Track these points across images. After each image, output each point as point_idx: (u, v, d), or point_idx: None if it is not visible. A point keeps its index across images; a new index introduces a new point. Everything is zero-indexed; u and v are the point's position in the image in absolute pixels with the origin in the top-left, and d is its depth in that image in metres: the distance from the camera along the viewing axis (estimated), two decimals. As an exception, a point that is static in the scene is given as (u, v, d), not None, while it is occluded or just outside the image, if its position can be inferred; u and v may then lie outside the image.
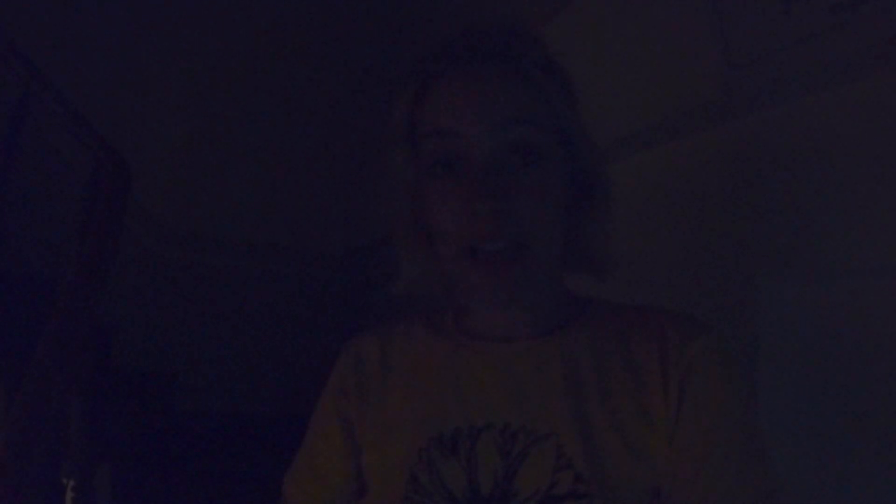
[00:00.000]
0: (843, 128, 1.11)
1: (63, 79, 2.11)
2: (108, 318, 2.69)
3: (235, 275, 3.22)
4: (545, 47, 0.81)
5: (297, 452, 0.92)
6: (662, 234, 1.42)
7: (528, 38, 0.80)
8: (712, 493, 0.70)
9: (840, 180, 1.10)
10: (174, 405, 2.85)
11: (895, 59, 1.02)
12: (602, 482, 0.71)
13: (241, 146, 3.23)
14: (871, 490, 1.02)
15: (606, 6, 1.64)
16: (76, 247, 1.97)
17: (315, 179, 3.30)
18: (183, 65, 3.08)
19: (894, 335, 1.02)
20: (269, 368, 3.15)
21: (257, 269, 3.27)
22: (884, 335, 1.03)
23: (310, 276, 3.35)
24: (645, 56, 1.50)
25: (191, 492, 2.24)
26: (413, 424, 0.80)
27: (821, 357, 1.12)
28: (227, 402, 3.03)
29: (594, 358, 0.79)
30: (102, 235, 1.93)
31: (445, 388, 0.82)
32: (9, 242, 2.57)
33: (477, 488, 0.74)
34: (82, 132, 2.05)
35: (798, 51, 1.16)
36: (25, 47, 2.02)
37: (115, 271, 1.97)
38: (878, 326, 1.04)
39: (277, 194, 3.30)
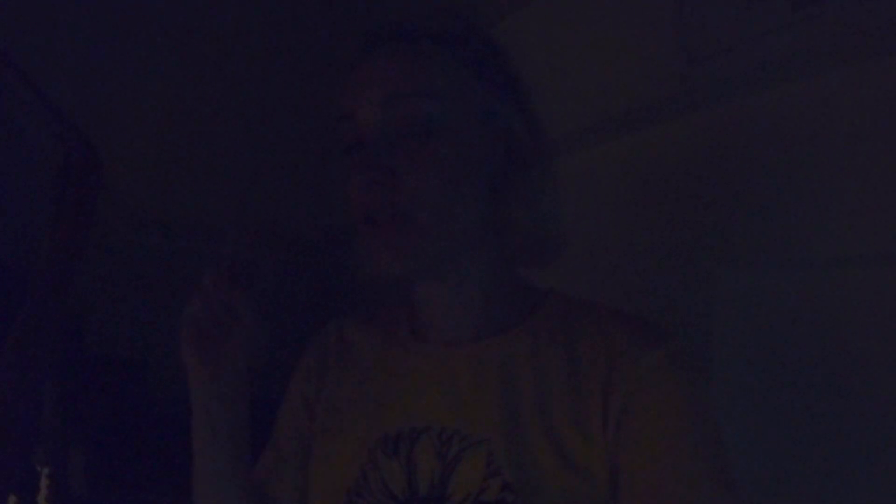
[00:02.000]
0: (801, 120, 1.14)
1: (33, 66, 2.10)
2: (80, 305, 2.69)
3: (208, 260, 3.20)
4: (460, 21, 0.80)
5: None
6: (621, 225, 1.45)
7: (440, 15, 0.80)
8: None
9: (798, 172, 1.13)
10: (146, 392, 2.86)
11: (853, 52, 1.06)
12: (530, 492, 0.69)
13: (214, 131, 3.21)
14: (831, 481, 1.04)
15: (568, 5, 1.67)
16: (47, 235, 1.97)
17: (291, 163, 3.28)
18: (155, 50, 3.05)
19: (851, 325, 1.05)
20: (242, 354, 3.15)
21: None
22: (840, 325, 1.06)
23: (286, 262, 3.34)
24: (605, 49, 1.52)
25: (163, 477, 2.26)
26: (362, 424, 0.81)
27: (777, 347, 1.15)
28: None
29: (534, 365, 0.76)
30: (74, 223, 1.93)
31: (392, 389, 0.82)
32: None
33: (416, 490, 0.74)
34: (53, 120, 2.05)
35: (757, 44, 1.18)
36: (-6, 34, 2.00)
37: (86, 258, 1.97)
38: (835, 316, 1.07)
39: (252, 178, 3.28)
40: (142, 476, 2.33)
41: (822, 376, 1.08)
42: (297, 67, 3.24)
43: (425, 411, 0.78)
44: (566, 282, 0.87)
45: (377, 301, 0.96)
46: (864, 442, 1.02)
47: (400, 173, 0.73)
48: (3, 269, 2.49)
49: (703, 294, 1.25)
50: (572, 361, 0.75)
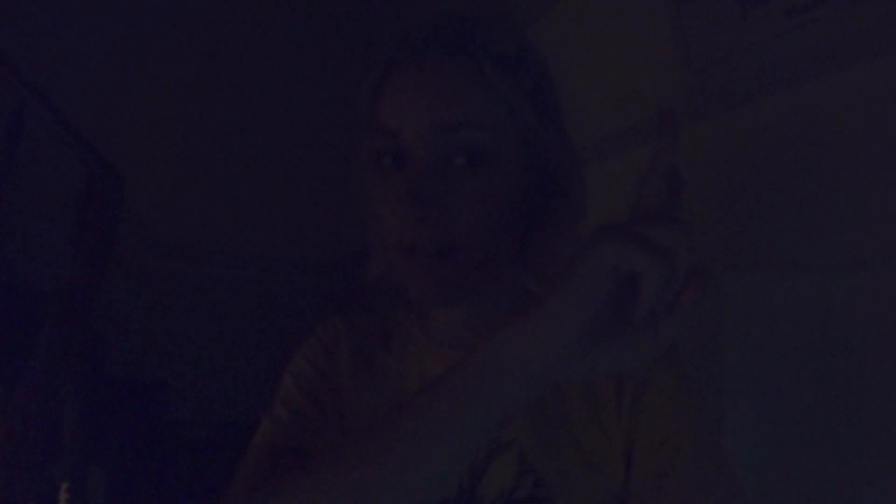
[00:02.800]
0: (803, 126, 1.16)
1: (58, 92, 2.14)
2: (102, 327, 2.73)
3: (227, 284, 3.24)
4: (518, 39, 0.76)
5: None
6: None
7: (498, 29, 0.75)
8: (677, 501, 0.70)
9: (802, 176, 1.14)
10: (166, 412, 2.88)
11: (848, 58, 1.07)
12: (562, 487, 0.72)
13: (232, 156, 3.26)
14: (840, 484, 1.05)
15: (573, 20, 1.69)
16: (70, 256, 2.01)
17: (306, 187, 3.33)
18: (176, 77, 3.11)
19: (859, 327, 1.05)
20: (260, 376, 3.16)
21: (249, 277, 3.30)
22: (848, 327, 1.07)
23: (302, 284, 3.37)
24: (610, 66, 1.54)
25: (182, 497, 2.28)
26: None
27: (787, 350, 1.15)
28: (218, 409, 3.05)
29: None
30: (96, 245, 1.97)
31: (408, 392, 0.80)
32: (4, 252, 2.61)
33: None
34: (77, 144, 2.09)
35: (756, 54, 1.20)
36: (21, 61, 2.05)
37: (108, 281, 2.00)
38: (842, 319, 1.08)
39: (269, 203, 3.32)
40: (160, 495, 2.34)
41: (832, 378, 1.08)
42: (317, 91, 3.29)
43: None
44: None
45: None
46: (875, 444, 1.01)
47: (447, 206, 0.70)
48: (27, 291, 2.53)
49: (711, 299, 1.26)
50: None
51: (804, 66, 1.13)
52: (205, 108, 3.19)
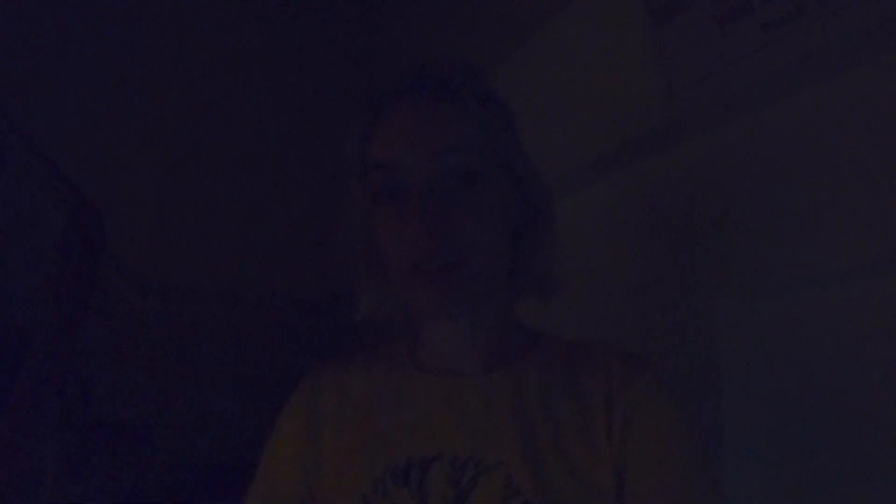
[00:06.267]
0: (790, 140, 1.15)
1: (37, 129, 2.13)
2: (85, 369, 2.67)
3: (213, 323, 3.20)
4: (486, 81, 0.87)
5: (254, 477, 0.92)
6: (620, 261, 1.45)
7: (471, 72, 0.86)
8: None
9: (792, 191, 1.14)
10: (151, 454, 2.82)
11: (827, 69, 1.08)
12: None
13: (215, 195, 3.24)
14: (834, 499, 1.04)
15: (551, 48, 1.69)
16: (50, 296, 1.97)
17: (289, 227, 3.31)
18: (159, 114, 3.10)
19: (858, 342, 1.04)
20: (248, 418, 3.12)
21: (234, 318, 3.26)
22: (847, 343, 1.06)
23: (287, 324, 3.34)
24: (591, 91, 1.54)
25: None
26: (367, 454, 0.82)
27: (786, 370, 1.14)
28: (205, 450, 3.00)
29: (542, 391, 0.82)
30: (76, 285, 1.93)
31: (398, 419, 0.84)
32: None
33: None
34: (57, 181, 2.07)
35: (736, 69, 1.20)
36: (0, 98, 2.04)
37: (90, 321, 1.97)
38: (840, 335, 1.07)
39: (254, 241, 3.30)
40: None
41: (833, 395, 1.07)
42: (298, 131, 3.30)
43: (435, 440, 0.81)
44: (569, 317, 0.91)
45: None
46: (876, 460, 1.00)
47: (450, 222, 0.77)
48: (6, 330, 2.48)
49: (705, 324, 1.25)
50: (575, 388, 0.82)
51: (787, 78, 1.13)
52: (189, 143, 3.18)
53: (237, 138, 3.27)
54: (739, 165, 1.23)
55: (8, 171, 2.16)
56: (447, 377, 0.86)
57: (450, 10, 2.34)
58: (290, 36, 3.35)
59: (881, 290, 1.02)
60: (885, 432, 0.99)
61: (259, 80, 3.29)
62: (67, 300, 1.92)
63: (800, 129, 1.13)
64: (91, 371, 2.75)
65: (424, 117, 0.81)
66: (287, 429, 0.91)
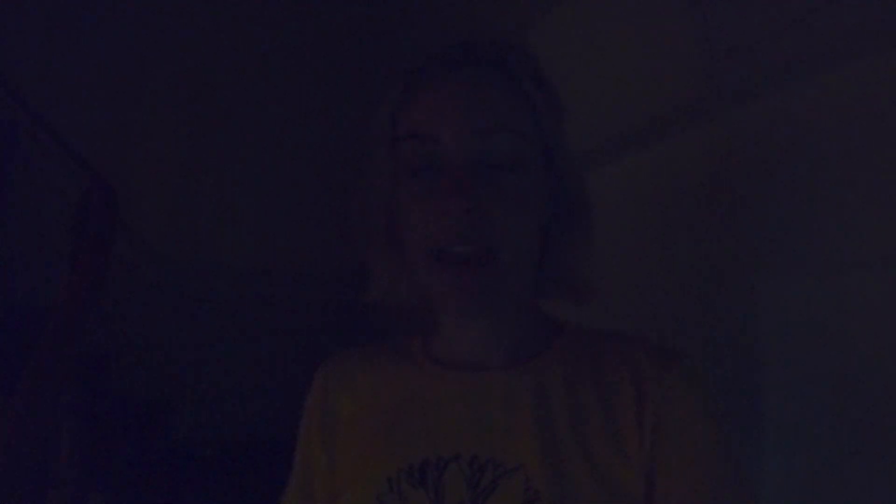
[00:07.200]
0: (835, 113, 1.08)
1: (52, 107, 2.12)
2: (104, 346, 2.68)
3: (232, 300, 3.21)
4: (536, 61, 0.81)
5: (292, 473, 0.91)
6: (655, 237, 1.39)
7: (521, 50, 0.80)
8: None
9: (834, 170, 1.07)
10: (171, 432, 2.83)
11: (877, 42, 1.00)
12: None
13: (233, 170, 3.24)
14: (876, 489, 0.99)
15: (587, 12, 1.62)
16: (65, 274, 1.96)
17: (310, 200, 3.30)
18: (172, 92, 3.10)
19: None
20: (267, 393, 3.13)
21: (253, 293, 3.26)
22: (884, 326, 1.00)
23: (307, 300, 3.33)
24: (629, 57, 1.48)
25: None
26: (382, 454, 0.79)
27: (823, 352, 1.09)
28: (225, 427, 3.01)
29: (566, 389, 0.78)
30: (91, 262, 1.92)
31: (415, 417, 0.81)
32: None
33: None
34: (71, 159, 2.06)
35: (780, 39, 1.13)
36: (13, 77, 2.03)
37: (106, 297, 1.96)
38: (878, 318, 1.01)
39: (271, 216, 3.30)
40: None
41: (870, 379, 1.02)
42: (319, 103, 3.27)
43: (454, 439, 0.77)
44: (601, 300, 0.85)
45: (388, 332, 0.93)
46: None
47: (488, 206, 0.72)
48: (21, 309, 2.49)
49: (742, 303, 1.19)
50: (601, 384, 0.77)
51: (833, 49, 1.06)
52: (207, 119, 3.17)
53: (258, 111, 3.26)
54: (783, 140, 1.16)
55: (21, 149, 2.15)
56: (466, 373, 0.81)
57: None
58: (311, 8, 3.31)
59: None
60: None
61: (276, 53, 3.26)
62: (82, 277, 1.91)
63: (846, 102, 1.05)
64: (111, 348, 2.76)
65: (473, 91, 0.75)
66: (304, 431, 0.89)
